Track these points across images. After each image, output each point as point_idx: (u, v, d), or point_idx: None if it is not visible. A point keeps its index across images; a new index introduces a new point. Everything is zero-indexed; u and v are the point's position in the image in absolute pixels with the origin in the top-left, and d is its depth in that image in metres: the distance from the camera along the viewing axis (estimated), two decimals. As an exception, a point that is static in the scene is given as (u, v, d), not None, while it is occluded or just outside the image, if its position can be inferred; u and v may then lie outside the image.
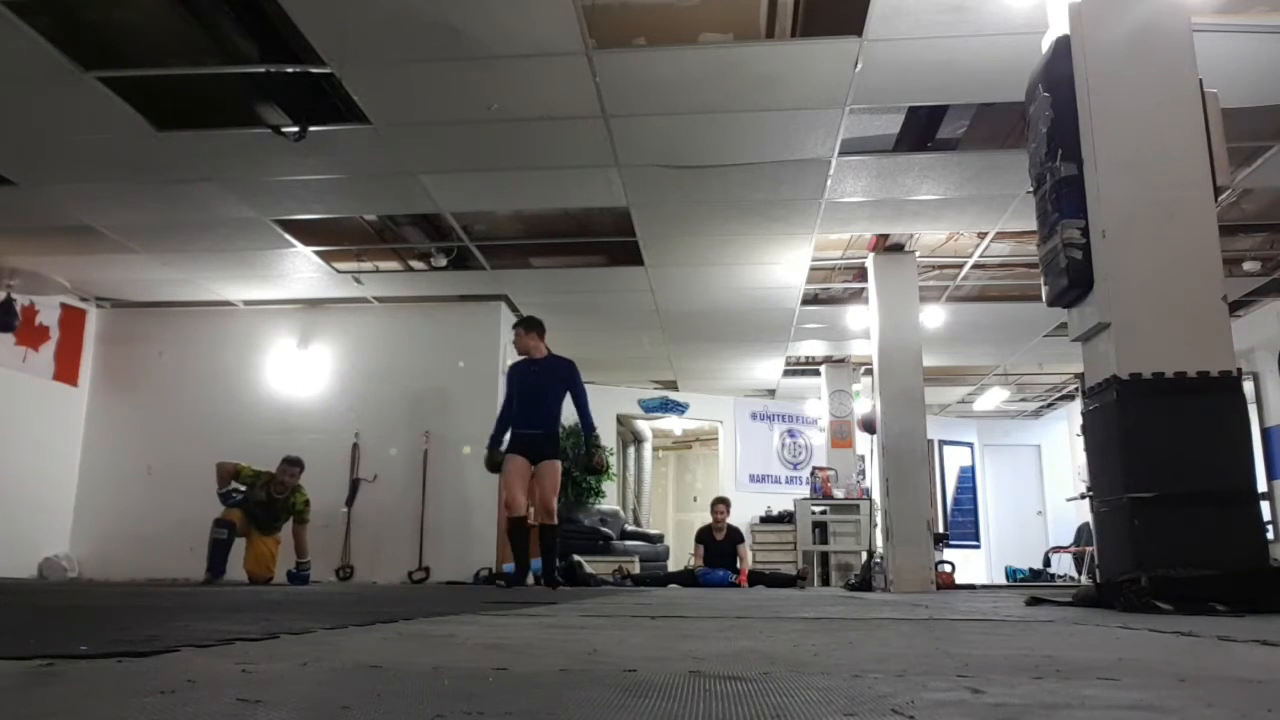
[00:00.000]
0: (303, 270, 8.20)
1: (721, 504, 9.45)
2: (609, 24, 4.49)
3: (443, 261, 7.87)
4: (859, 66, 4.82)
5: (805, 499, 10.58)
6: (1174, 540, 3.13)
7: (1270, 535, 7.66)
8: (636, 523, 13.04)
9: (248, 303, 9.10)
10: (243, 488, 7.40)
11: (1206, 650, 1.79)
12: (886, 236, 7.45)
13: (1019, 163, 4.94)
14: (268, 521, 7.46)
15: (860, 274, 8.26)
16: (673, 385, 13.01)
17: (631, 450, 14.33)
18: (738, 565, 9.16)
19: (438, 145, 5.77)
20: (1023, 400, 14.16)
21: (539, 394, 6.40)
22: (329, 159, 5.94)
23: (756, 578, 9.00)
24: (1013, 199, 6.48)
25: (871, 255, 7.64)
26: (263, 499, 7.40)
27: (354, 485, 8.59)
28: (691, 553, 9.69)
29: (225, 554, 7.13)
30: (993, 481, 15.22)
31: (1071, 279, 3.54)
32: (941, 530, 12.55)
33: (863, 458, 11.29)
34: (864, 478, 10.90)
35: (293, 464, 7.51)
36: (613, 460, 12.40)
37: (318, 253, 7.78)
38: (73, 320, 8.84)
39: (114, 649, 1.46)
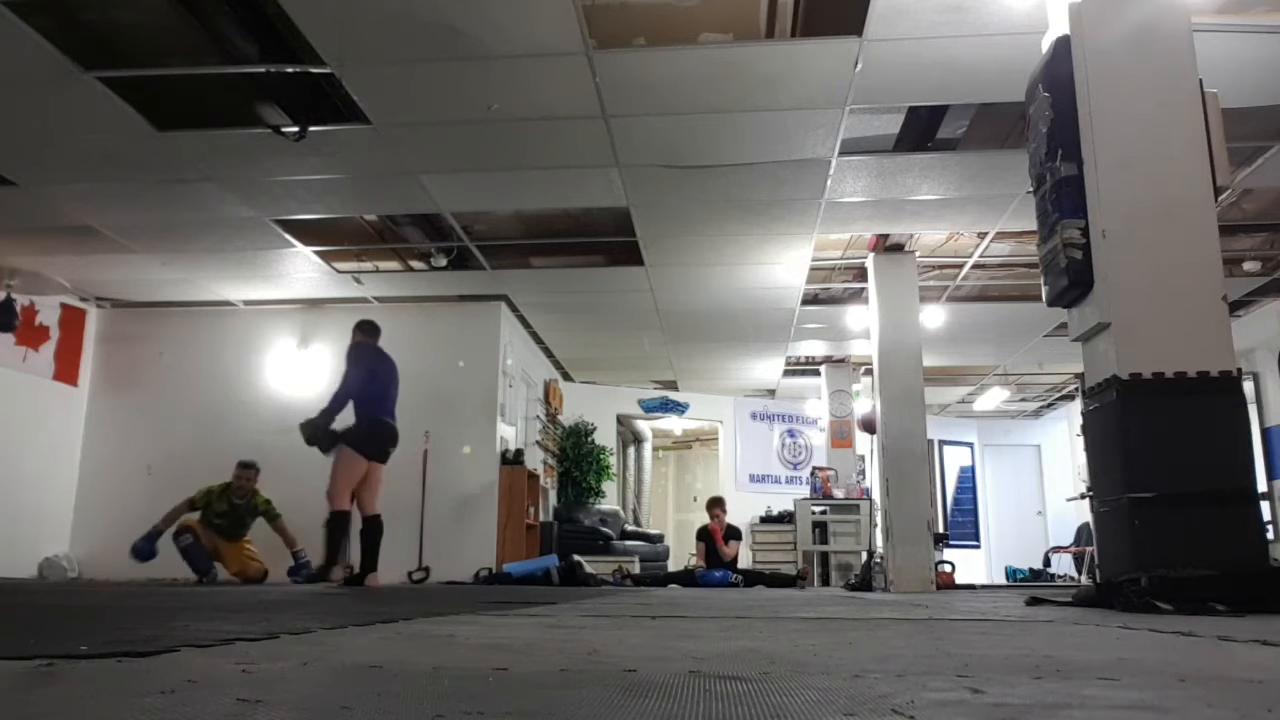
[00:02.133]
0: (303, 270, 8.20)
1: (716, 506, 9.47)
2: (609, 24, 4.49)
3: (443, 261, 7.87)
4: (859, 66, 4.82)
5: (805, 499, 10.57)
6: (1174, 540, 3.13)
7: (1270, 535, 7.66)
8: (636, 523, 13.04)
9: (248, 303, 9.10)
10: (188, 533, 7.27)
11: (1206, 650, 1.79)
12: (886, 236, 7.44)
13: (1019, 163, 4.94)
14: (234, 529, 7.40)
15: (860, 274, 8.26)
16: (673, 385, 13.01)
17: (631, 450, 14.33)
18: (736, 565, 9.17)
19: (438, 145, 5.77)
20: (1023, 400, 14.16)
21: (395, 383, 6.50)
22: (329, 159, 5.94)
23: (756, 578, 9.00)
24: (1013, 199, 6.48)
25: (871, 255, 7.64)
26: (224, 509, 7.37)
27: (354, 485, 8.57)
28: (693, 552, 9.69)
29: (201, 555, 7.13)
30: (993, 481, 15.22)
31: (1071, 279, 3.54)
32: (941, 530, 12.55)
33: (863, 458, 11.29)
34: (864, 478, 10.90)
35: (247, 467, 7.51)
36: (613, 460, 12.42)
37: (318, 253, 7.78)
38: (73, 320, 8.83)
39: (114, 649, 1.46)
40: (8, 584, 6.26)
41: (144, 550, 7.13)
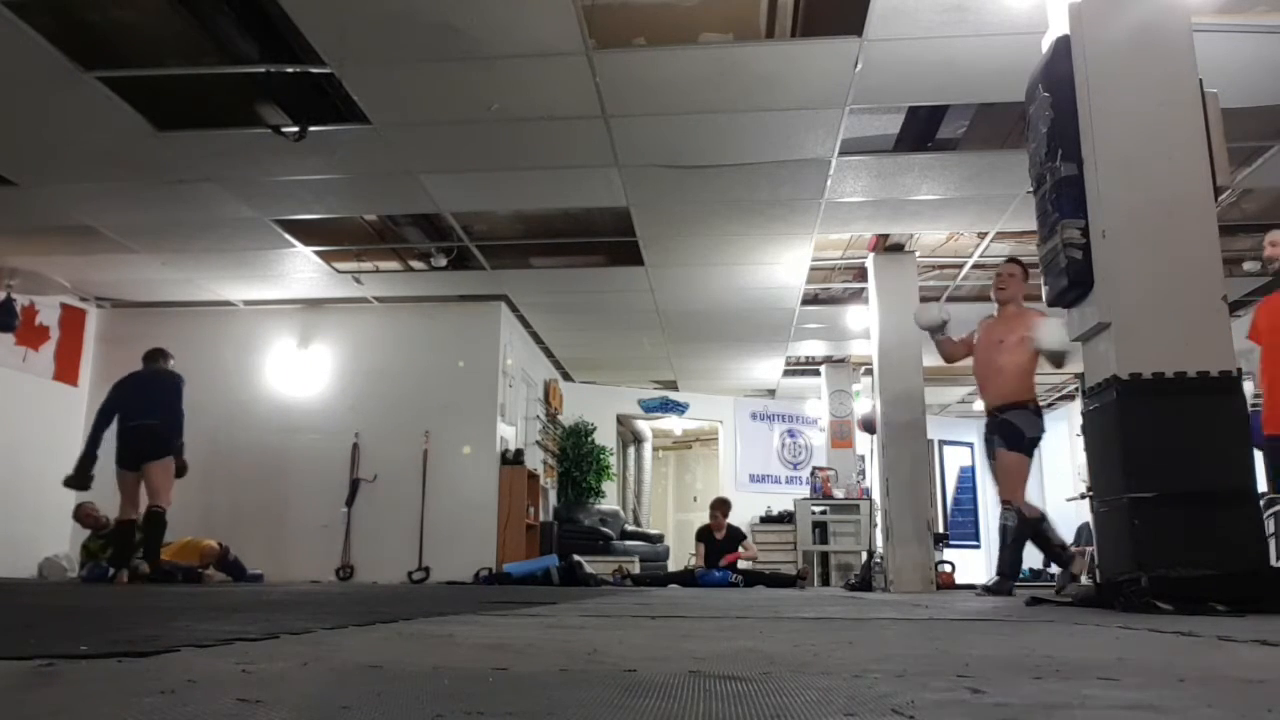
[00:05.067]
0: (303, 270, 8.20)
1: (719, 509, 9.46)
2: (609, 24, 4.49)
3: (443, 261, 7.87)
4: (859, 66, 4.82)
5: (805, 499, 10.58)
6: (1174, 540, 3.12)
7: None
8: (636, 523, 13.04)
9: (248, 303, 9.10)
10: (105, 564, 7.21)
11: (1206, 650, 1.79)
12: (886, 236, 7.45)
13: (1019, 163, 4.94)
14: (121, 554, 7.03)
15: (860, 274, 8.26)
16: (673, 385, 13.01)
17: (631, 450, 14.33)
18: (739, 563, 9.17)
19: (438, 145, 5.77)
20: (1023, 400, 14.13)
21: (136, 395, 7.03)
22: (329, 159, 5.94)
23: (756, 578, 9.01)
24: (1013, 199, 6.48)
25: (871, 255, 7.64)
26: (99, 546, 7.28)
27: (354, 485, 8.59)
28: (692, 552, 9.69)
29: (176, 566, 7.04)
30: (993, 481, 15.19)
31: (1071, 279, 3.54)
32: (941, 530, 12.54)
33: (863, 458, 11.29)
34: (864, 478, 10.90)
35: (78, 514, 7.47)
36: (613, 460, 12.42)
37: (318, 253, 7.78)
38: (73, 320, 8.84)
39: (114, 649, 1.46)
40: (8, 584, 6.26)
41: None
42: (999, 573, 5.33)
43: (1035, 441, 5.36)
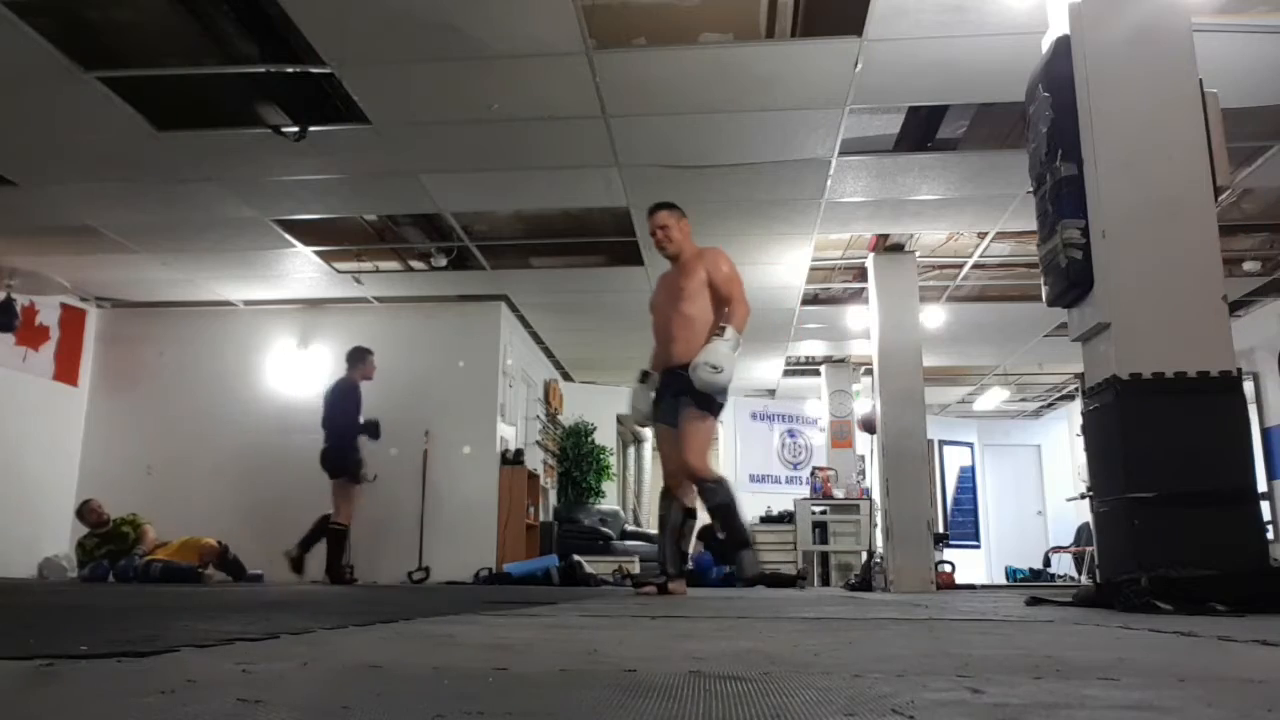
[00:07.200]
0: (303, 270, 8.20)
1: None
2: (609, 24, 4.49)
3: (443, 261, 7.88)
4: (859, 66, 4.82)
5: (805, 499, 10.57)
6: (1174, 540, 3.12)
7: (1270, 535, 7.66)
8: (636, 523, 13.02)
9: (248, 303, 9.10)
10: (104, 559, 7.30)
11: (1206, 650, 1.79)
12: (886, 236, 7.45)
13: (1019, 163, 4.94)
14: (119, 552, 7.33)
15: (860, 274, 8.26)
16: (673, 385, 12.98)
17: (631, 450, 14.32)
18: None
19: (438, 145, 5.77)
20: (1023, 400, 14.16)
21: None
22: (329, 159, 5.94)
23: (756, 577, 8.99)
24: (1013, 199, 6.48)
25: (871, 255, 7.64)
26: (95, 544, 7.35)
27: (354, 485, 8.58)
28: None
29: (177, 569, 7.08)
30: (993, 481, 15.22)
31: (1071, 279, 3.54)
32: (941, 530, 12.55)
33: (863, 458, 11.29)
34: (864, 478, 10.90)
35: (80, 511, 7.55)
36: (613, 460, 12.42)
37: (318, 253, 7.78)
38: (73, 320, 8.84)
39: (114, 649, 1.46)
40: (8, 584, 6.26)
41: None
42: (734, 544, 4.71)
43: (723, 407, 4.84)
